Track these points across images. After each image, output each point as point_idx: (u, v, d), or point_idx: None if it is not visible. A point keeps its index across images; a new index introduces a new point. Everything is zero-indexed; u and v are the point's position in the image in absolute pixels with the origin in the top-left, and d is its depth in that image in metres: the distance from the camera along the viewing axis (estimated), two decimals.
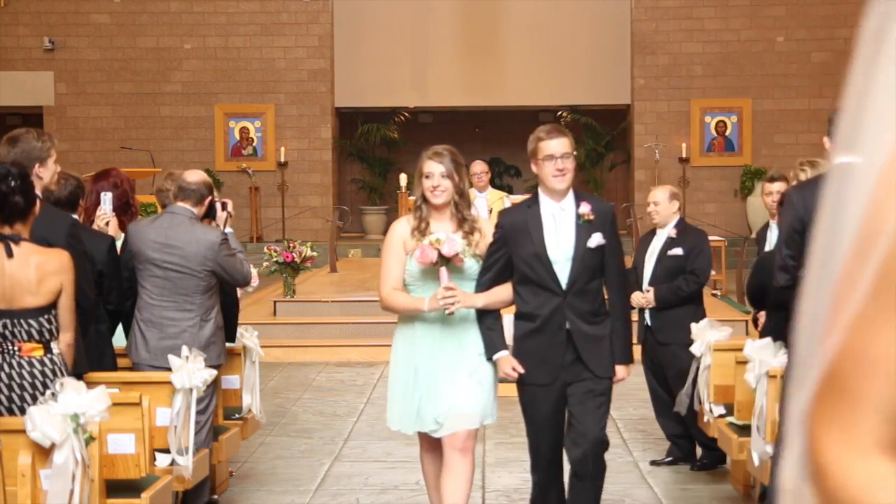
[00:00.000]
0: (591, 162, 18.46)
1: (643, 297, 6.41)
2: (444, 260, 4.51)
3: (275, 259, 11.34)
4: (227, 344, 6.21)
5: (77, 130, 17.63)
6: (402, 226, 4.74)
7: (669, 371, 6.36)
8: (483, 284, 4.65)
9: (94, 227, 6.01)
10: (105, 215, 6.20)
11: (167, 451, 4.90)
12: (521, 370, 4.62)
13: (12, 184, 4.31)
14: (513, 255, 4.62)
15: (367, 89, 18.38)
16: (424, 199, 4.69)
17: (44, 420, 3.81)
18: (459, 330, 4.67)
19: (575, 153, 4.73)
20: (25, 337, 4.30)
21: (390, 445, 7.07)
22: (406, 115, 19.21)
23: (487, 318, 4.67)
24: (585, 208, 4.62)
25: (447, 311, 4.51)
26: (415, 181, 4.79)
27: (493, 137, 20.01)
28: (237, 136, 18.22)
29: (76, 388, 3.95)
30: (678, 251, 6.38)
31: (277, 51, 18.04)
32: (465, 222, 4.69)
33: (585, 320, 4.62)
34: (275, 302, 11.67)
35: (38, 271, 4.35)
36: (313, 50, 18.07)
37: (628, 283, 5.16)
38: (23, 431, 3.84)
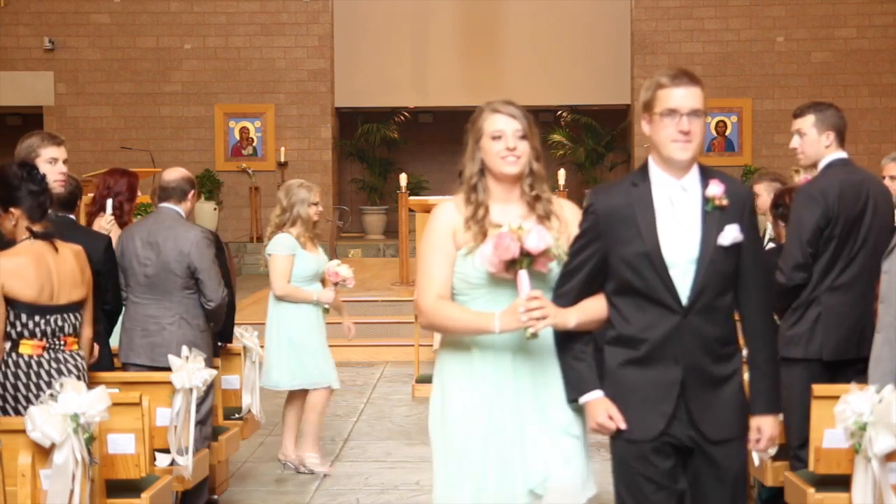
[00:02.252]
0: (591, 162, 18.45)
1: None
2: (526, 259, 3.27)
3: None
4: (227, 344, 6.22)
5: (77, 130, 17.62)
6: (450, 212, 3.46)
7: None
8: (566, 296, 3.37)
9: (100, 229, 6.05)
10: (109, 219, 6.26)
11: (167, 451, 4.90)
12: (622, 421, 3.32)
13: (43, 175, 4.41)
14: (610, 253, 3.33)
15: (367, 89, 18.38)
16: (482, 173, 3.46)
17: (44, 420, 3.81)
18: (540, 360, 3.42)
19: (708, 114, 3.72)
20: (70, 330, 4.36)
21: (390, 445, 7.08)
22: (406, 115, 19.20)
23: (574, 344, 3.38)
24: (716, 189, 3.30)
25: (529, 332, 3.24)
26: (468, 151, 3.50)
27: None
28: (237, 136, 18.22)
29: (76, 388, 3.95)
30: None
31: (277, 51, 18.04)
32: (538, 203, 3.46)
33: (712, 353, 3.30)
34: None
35: (78, 264, 4.40)
36: (313, 50, 18.07)
37: (770, 298, 3.64)
38: (23, 431, 3.84)
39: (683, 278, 3.27)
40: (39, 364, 4.30)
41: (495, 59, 18.25)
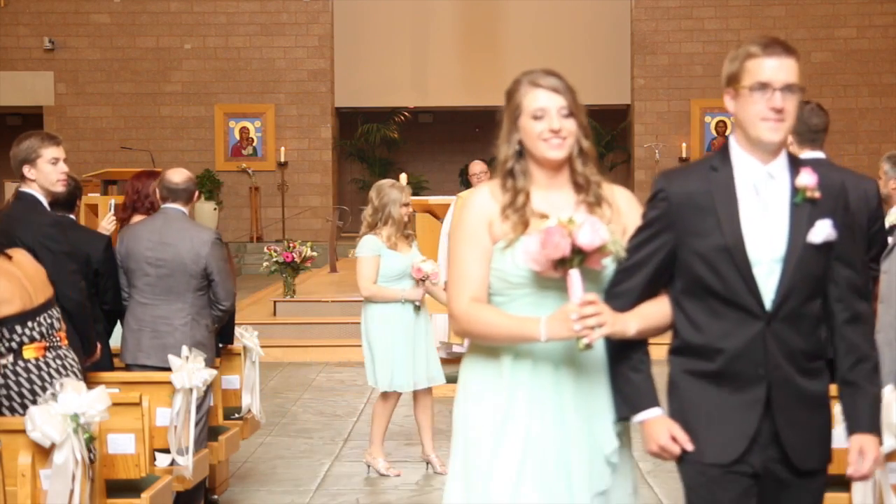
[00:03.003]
0: None
1: None
2: (578, 257, 2.77)
3: (275, 259, 11.34)
4: (227, 345, 6.22)
5: (77, 130, 17.63)
6: (484, 199, 2.97)
7: None
8: (624, 297, 2.88)
9: (101, 229, 6.06)
10: (110, 219, 6.29)
11: (167, 451, 4.89)
12: (687, 442, 2.85)
13: None
14: (680, 247, 2.85)
15: (367, 89, 18.38)
16: (521, 154, 2.98)
17: (44, 420, 3.81)
18: (586, 372, 2.93)
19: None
20: (59, 325, 4.38)
21: (390, 446, 7.07)
22: (406, 115, 19.21)
23: (632, 353, 2.90)
24: (808, 179, 2.85)
25: (583, 343, 2.75)
26: (503, 131, 3.02)
27: (493, 137, 19.93)
28: (237, 136, 18.23)
29: (76, 388, 3.95)
30: None
31: (277, 51, 18.04)
32: (588, 189, 2.97)
33: (799, 367, 2.84)
34: (275, 302, 11.67)
35: (33, 263, 4.41)
36: (313, 50, 18.07)
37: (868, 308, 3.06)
38: (23, 431, 3.83)
39: (768, 279, 2.81)
40: (47, 364, 4.30)
41: (495, 59, 18.25)
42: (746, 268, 2.80)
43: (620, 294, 2.88)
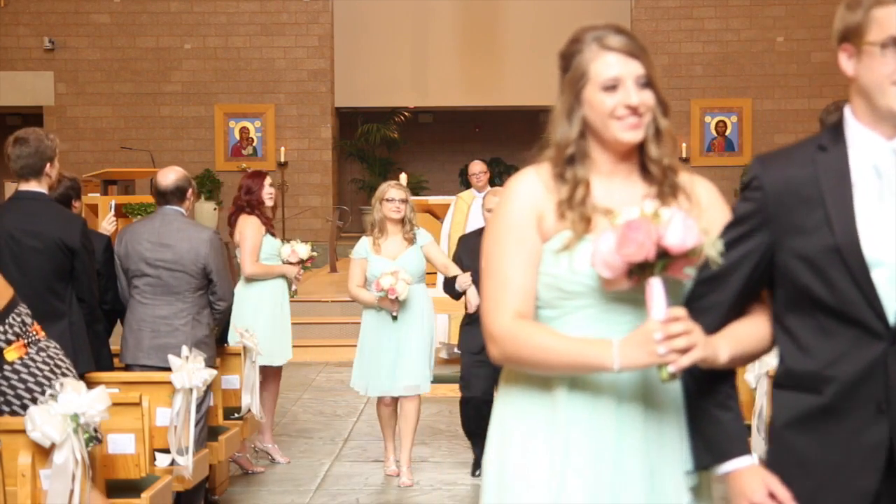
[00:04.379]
0: None
1: None
2: (661, 262, 2.19)
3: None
4: (221, 345, 6.23)
5: (77, 130, 17.63)
6: (533, 188, 2.38)
7: None
8: (709, 313, 2.29)
9: (101, 229, 6.08)
10: (110, 219, 6.33)
11: (167, 451, 4.90)
12: (789, 500, 2.23)
13: None
14: (779, 249, 2.27)
15: (367, 89, 18.38)
16: (583, 136, 2.37)
17: (44, 420, 3.81)
18: (661, 412, 2.34)
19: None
20: (30, 320, 4.28)
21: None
22: (406, 115, 19.20)
23: (719, 386, 2.32)
24: None
25: (667, 372, 2.19)
26: (561, 107, 2.39)
27: (493, 137, 20.00)
28: (237, 136, 18.22)
29: (76, 388, 3.95)
30: None
31: (277, 51, 18.04)
32: (662, 178, 2.39)
33: None
34: None
35: None
36: (313, 50, 18.07)
37: None
38: (23, 431, 3.83)
39: (890, 287, 2.17)
40: (32, 360, 4.29)
41: (495, 59, 18.25)
42: (863, 272, 2.17)
43: (705, 310, 2.27)
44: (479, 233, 6.47)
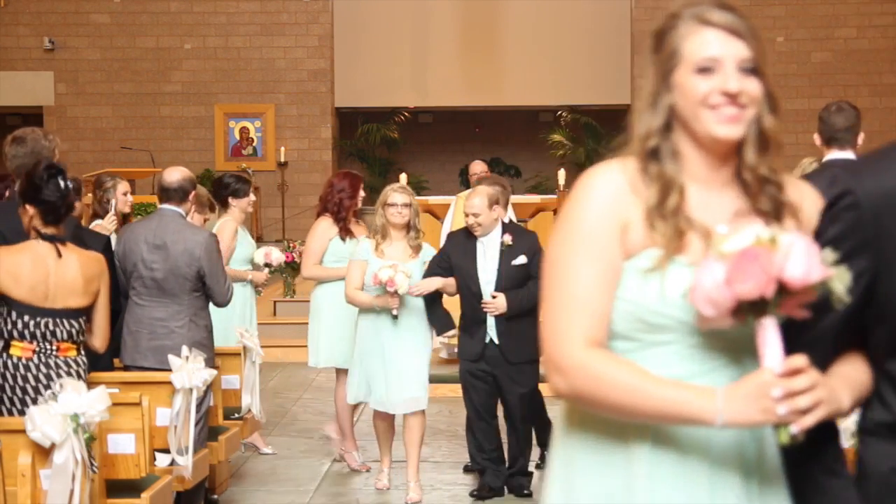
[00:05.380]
0: (592, 162, 18.37)
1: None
2: (778, 297, 1.79)
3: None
4: (226, 345, 6.23)
5: (77, 130, 17.62)
6: (618, 188, 1.96)
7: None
8: (814, 351, 1.85)
9: (99, 227, 6.09)
10: (110, 219, 6.35)
11: (167, 451, 4.90)
12: None
13: (70, 184, 4.42)
14: (882, 279, 1.88)
15: (367, 89, 18.37)
16: (670, 127, 1.99)
17: (44, 420, 3.81)
18: (763, 478, 1.94)
19: None
20: (65, 336, 4.36)
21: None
22: (406, 115, 19.20)
23: (825, 448, 1.96)
24: None
25: (788, 434, 1.80)
26: (648, 90, 2.01)
27: (493, 137, 19.99)
28: (237, 136, 18.22)
29: (76, 388, 3.95)
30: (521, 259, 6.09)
31: (277, 51, 18.03)
32: (761, 191, 1.99)
33: None
34: (275, 302, 11.67)
35: (83, 272, 4.41)
36: (313, 50, 18.06)
37: None
38: (23, 431, 3.83)
39: None
40: (27, 368, 4.29)
41: (495, 59, 18.24)
42: None
43: (809, 346, 1.84)
44: (465, 230, 6.29)
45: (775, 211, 1.96)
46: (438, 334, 6.26)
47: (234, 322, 6.65)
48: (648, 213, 1.92)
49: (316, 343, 6.83)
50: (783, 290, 1.77)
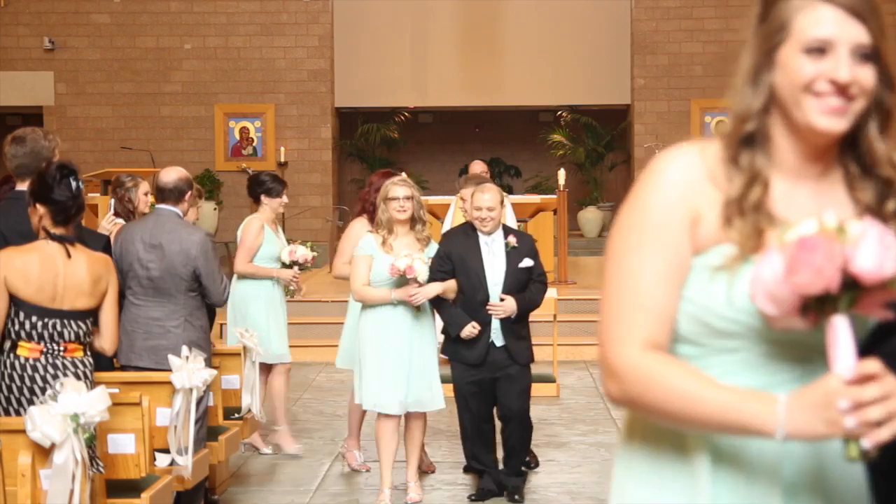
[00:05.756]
0: (591, 162, 18.45)
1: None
2: (850, 293, 1.61)
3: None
4: (227, 345, 6.23)
5: (77, 130, 17.62)
6: (690, 169, 1.77)
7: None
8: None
9: (101, 229, 6.10)
10: (110, 219, 6.36)
11: (167, 451, 4.90)
12: None
13: (80, 184, 4.42)
14: None
15: (367, 89, 18.38)
16: (768, 111, 1.77)
17: (44, 420, 3.81)
18: (848, 497, 1.78)
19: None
20: (72, 337, 4.36)
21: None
22: (406, 115, 19.20)
23: None
24: None
25: (858, 450, 1.58)
26: (746, 65, 1.81)
27: (493, 137, 20.00)
28: (237, 136, 18.22)
29: (76, 388, 3.95)
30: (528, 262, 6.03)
31: (277, 51, 18.04)
32: (866, 186, 1.78)
33: None
34: None
35: (90, 274, 4.41)
36: (313, 50, 18.07)
37: None
38: (23, 431, 3.84)
39: None
40: (35, 368, 4.30)
41: (495, 59, 18.25)
42: None
43: (892, 355, 1.66)
44: (462, 228, 6.26)
45: (877, 205, 1.73)
46: (453, 334, 5.99)
47: (260, 323, 6.77)
48: (726, 206, 1.71)
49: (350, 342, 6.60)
50: (856, 285, 1.58)
